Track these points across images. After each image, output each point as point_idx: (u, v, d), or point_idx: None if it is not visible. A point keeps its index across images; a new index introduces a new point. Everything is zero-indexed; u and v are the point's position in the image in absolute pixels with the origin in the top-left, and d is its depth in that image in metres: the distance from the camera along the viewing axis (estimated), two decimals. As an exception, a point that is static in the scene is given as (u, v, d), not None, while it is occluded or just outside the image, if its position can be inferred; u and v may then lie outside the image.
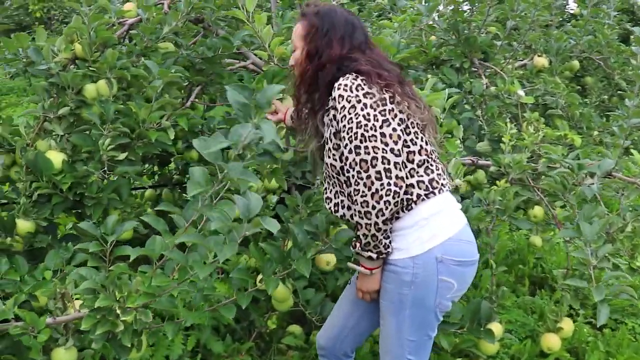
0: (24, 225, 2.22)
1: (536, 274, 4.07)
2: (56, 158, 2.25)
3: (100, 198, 2.30)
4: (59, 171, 2.25)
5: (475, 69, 3.48)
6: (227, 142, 1.47)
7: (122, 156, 2.28)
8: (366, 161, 1.67)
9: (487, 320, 2.43)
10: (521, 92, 3.10)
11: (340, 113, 1.73)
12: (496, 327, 2.44)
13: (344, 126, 1.72)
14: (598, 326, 2.42)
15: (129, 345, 1.53)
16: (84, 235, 1.91)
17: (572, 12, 5.57)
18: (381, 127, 1.69)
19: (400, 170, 1.70)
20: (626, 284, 2.26)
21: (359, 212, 1.69)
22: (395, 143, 1.70)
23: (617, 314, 3.58)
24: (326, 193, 1.94)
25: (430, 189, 1.79)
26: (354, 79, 1.74)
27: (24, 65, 2.42)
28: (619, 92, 4.78)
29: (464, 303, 3.42)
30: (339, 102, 1.73)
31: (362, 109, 1.70)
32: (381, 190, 1.66)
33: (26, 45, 2.43)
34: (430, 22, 3.56)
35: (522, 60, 3.97)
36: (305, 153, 2.47)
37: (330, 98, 1.78)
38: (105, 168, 2.28)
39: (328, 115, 1.80)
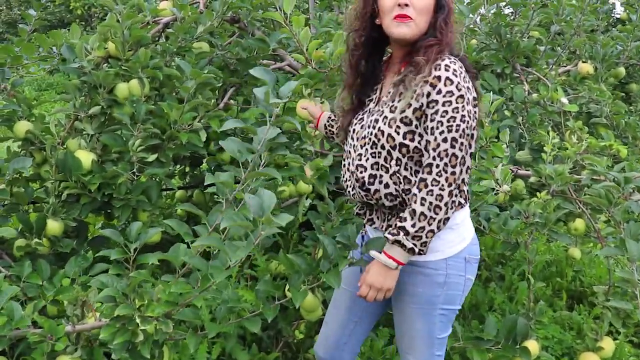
0: (53, 225, 2.20)
1: (574, 288, 3.94)
2: (85, 158, 2.23)
3: (128, 199, 2.27)
4: (88, 171, 2.23)
5: (517, 75, 3.37)
6: (241, 123, 1.42)
7: (152, 157, 2.25)
8: (457, 157, 1.61)
9: (523, 338, 2.34)
10: (564, 100, 2.99)
11: (443, 96, 1.60)
12: (532, 345, 2.35)
13: (445, 112, 1.60)
14: (642, 348, 2.30)
15: (148, 357, 1.49)
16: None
17: (619, 16, 5.39)
18: (474, 128, 1.65)
19: (467, 174, 1.67)
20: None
21: (430, 203, 1.60)
22: (472, 147, 1.67)
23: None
24: (359, 160, 1.77)
25: (467, 197, 1.82)
26: (460, 66, 1.66)
27: (57, 63, 2.40)
28: (665, 100, 4.62)
29: (499, 318, 3.32)
30: (445, 85, 1.61)
31: (467, 103, 1.62)
32: (455, 188, 1.62)
33: (60, 43, 2.41)
34: (471, 25, 3.46)
35: (566, 67, 3.84)
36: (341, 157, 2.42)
37: (428, 71, 1.63)
38: (135, 169, 2.25)
39: (420, 87, 1.64)
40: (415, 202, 1.62)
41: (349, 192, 1.87)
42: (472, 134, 1.65)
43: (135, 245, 1.70)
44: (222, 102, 2.69)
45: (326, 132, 2.24)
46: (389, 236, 1.66)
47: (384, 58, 1.92)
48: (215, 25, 2.57)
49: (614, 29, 4.81)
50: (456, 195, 1.66)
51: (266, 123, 1.54)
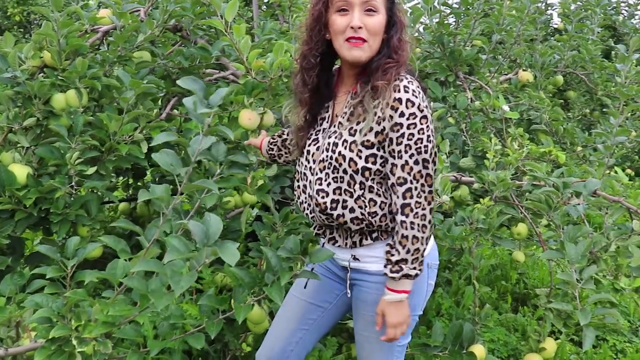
0: (-16, 243, 2.11)
1: (519, 290, 4.02)
2: (20, 172, 2.14)
3: (67, 214, 2.18)
4: (23, 185, 2.14)
5: (460, 83, 3.42)
6: (174, 136, 1.39)
7: (91, 170, 2.18)
8: (431, 176, 1.66)
9: (469, 342, 2.37)
10: (506, 107, 3.05)
11: (407, 119, 1.60)
12: (479, 350, 2.37)
13: (412, 134, 1.60)
14: (584, 350, 2.35)
15: (86, 379, 1.43)
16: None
17: (556, 26, 5.55)
18: (436, 145, 1.70)
19: None
20: (610, 305, 2.22)
21: (418, 224, 1.64)
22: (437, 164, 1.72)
23: (599, 330, 3.54)
24: (319, 185, 1.75)
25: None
26: (418, 85, 1.66)
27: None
28: (600, 106, 4.77)
29: (446, 322, 3.36)
30: (407, 107, 1.60)
31: (430, 122, 1.64)
32: (433, 206, 1.67)
33: (-8, 52, 2.32)
34: (415, 34, 3.50)
35: (507, 75, 3.93)
36: (288, 166, 2.40)
37: (386, 93, 1.62)
38: (73, 183, 2.18)
39: (381, 109, 1.63)
40: (405, 228, 1.64)
41: (306, 214, 1.85)
42: (436, 152, 1.68)
43: (73, 262, 1.64)
44: (164, 112, 2.63)
45: (270, 157, 2.23)
46: (395, 275, 1.68)
47: (334, 69, 1.90)
48: (156, 34, 2.52)
49: (552, 38, 4.94)
50: None
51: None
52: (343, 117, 1.75)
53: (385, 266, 1.70)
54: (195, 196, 1.59)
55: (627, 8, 6.19)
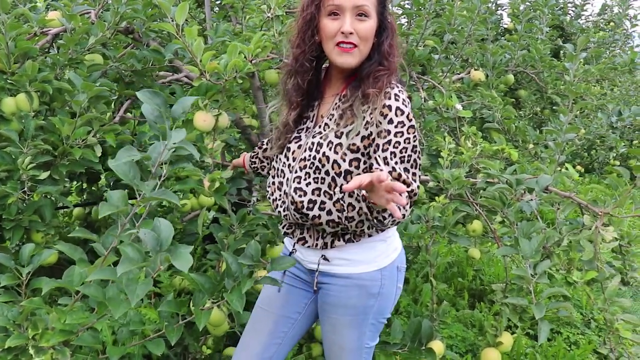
0: None
1: (475, 287, 4.09)
2: (-30, 178, 2.09)
3: (20, 220, 2.14)
4: (-26, 192, 2.09)
5: (414, 83, 3.46)
6: (137, 154, 1.36)
7: (44, 175, 2.13)
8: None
9: (428, 339, 2.40)
10: (459, 106, 3.10)
11: (395, 127, 1.60)
12: (437, 346, 2.41)
13: (398, 142, 1.61)
14: (539, 343, 2.41)
15: (45, 387, 1.40)
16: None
17: (506, 26, 5.66)
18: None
19: None
20: (563, 298, 2.28)
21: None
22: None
23: (553, 323, 3.63)
24: (297, 183, 1.73)
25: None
26: (408, 95, 1.67)
27: None
28: (550, 104, 4.89)
29: (405, 320, 3.39)
30: (396, 115, 1.61)
31: (416, 132, 1.64)
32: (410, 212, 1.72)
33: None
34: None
35: (459, 74, 3.99)
36: (241, 169, 2.39)
37: (377, 100, 1.62)
38: (26, 188, 2.13)
39: (370, 115, 1.63)
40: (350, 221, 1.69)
41: (279, 211, 1.83)
42: (419, 163, 1.68)
43: (27, 270, 1.60)
44: (117, 116, 2.59)
45: (254, 170, 2.25)
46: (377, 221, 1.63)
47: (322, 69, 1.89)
48: (107, 36, 2.48)
49: (502, 38, 5.05)
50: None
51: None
52: (330, 119, 1.74)
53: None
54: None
55: (573, 9, 6.36)
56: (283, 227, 1.93)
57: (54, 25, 2.50)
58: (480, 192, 2.64)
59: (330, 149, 1.68)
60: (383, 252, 1.79)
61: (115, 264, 1.50)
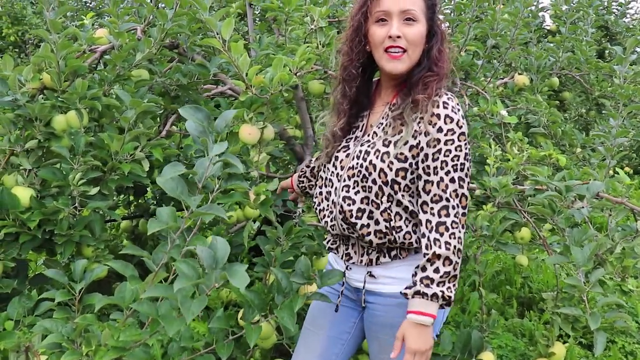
0: (-11, 267, 2.10)
1: (524, 295, 4.02)
2: (23, 194, 2.14)
3: (71, 235, 2.18)
4: (27, 208, 2.14)
5: (457, 89, 3.42)
6: (183, 169, 1.38)
7: (94, 191, 2.17)
8: (466, 197, 1.61)
9: (478, 350, 2.36)
10: (504, 112, 3.05)
11: (445, 135, 1.57)
12: (488, 357, 2.37)
13: (449, 151, 1.58)
14: (595, 355, 2.35)
15: (99, 404, 1.42)
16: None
17: (548, 28, 5.57)
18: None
19: None
20: (619, 308, 2.22)
21: (454, 247, 1.57)
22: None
23: (607, 332, 3.54)
24: (346, 192, 1.70)
25: None
26: (457, 102, 1.64)
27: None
28: (596, 105, 4.79)
29: (453, 330, 3.35)
30: (445, 122, 1.58)
31: (467, 142, 1.61)
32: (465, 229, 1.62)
33: (-8, 75, 2.32)
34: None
35: (503, 79, 3.93)
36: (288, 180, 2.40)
37: (426, 108, 1.60)
38: (77, 203, 2.18)
39: (418, 124, 1.61)
40: (439, 247, 1.57)
41: (326, 222, 1.80)
42: (470, 172, 1.64)
43: (80, 286, 1.63)
44: (164, 130, 2.63)
45: (302, 189, 2.23)
46: (408, 291, 1.61)
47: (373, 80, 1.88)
48: (153, 52, 2.52)
49: (545, 40, 4.96)
50: None
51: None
52: (379, 128, 1.73)
53: (409, 288, 1.62)
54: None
55: (618, 7, 6.22)
56: (327, 242, 1.90)
57: (102, 43, 2.56)
58: (529, 199, 2.60)
59: (377, 157, 1.66)
60: None
61: (166, 279, 1.52)
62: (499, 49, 3.79)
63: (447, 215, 1.58)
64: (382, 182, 1.65)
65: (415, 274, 1.61)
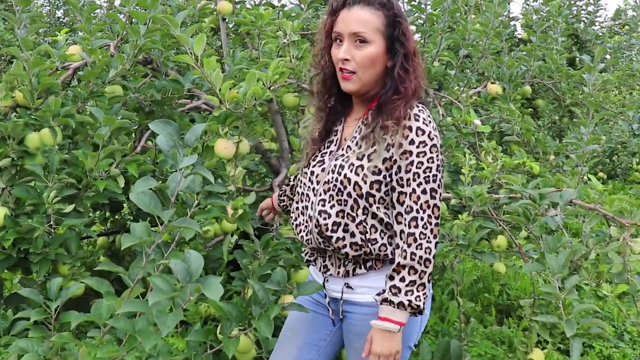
0: (-37, 287, 2.08)
1: (502, 302, 4.04)
2: (-3, 213, 2.12)
3: (47, 253, 2.16)
4: (1, 227, 2.12)
5: (431, 100, 3.46)
6: (154, 183, 1.38)
7: (69, 208, 2.16)
8: (438, 207, 1.63)
9: (457, 359, 2.37)
10: (477, 122, 3.09)
11: (417, 147, 1.60)
12: (467, 365, 2.39)
13: (421, 163, 1.60)
14: (571, 360, 2.37)
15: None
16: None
17: (520, 36, 5.65)
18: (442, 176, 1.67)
19: None
20: (595, 313, 2.25)
21: (420, 257, 1.59)
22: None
23: (584, 337, 3.57)
24: (322, 205, 1.72)
25: None
26: (429, 114, 1.65)
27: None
28: (569, 112, 4.86)
29: (433, 339, 3.37)
30: (417, 135, 1.60)
31: (440, 152, 1.63)
32: (438, 239, 1.63)
33: (-38, 95, 2.30)
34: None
35: (476, 88, 3.98)
36: (264, 193, 2.41)
37: (394, 121, 1.62)
38: (52, 221, 2.16)
39: (391, 137, 1.63)
40: (404, 258, 1.60)
41: (302, 236, 1.82)
42: (443, 183, 1.67)
43: (56, 304, 1.62)
44: (139, 145, 2.62)
45: (283, 208, 2.23)
46: (377, 297, 1.64)
47: None
48: (127, 68, 2.52)
49: (517, 48, 5.04)
50: None
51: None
52: (352, 142, 1.75)
53: (378, 294, 1.66)
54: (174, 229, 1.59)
55: (587, 15, 6.33)
56: (305, 255, 1.92)
57: (75, 60, 2.54)
58: (504, 207, 2.63)
59: (351, 171, 1.68)
60: None
61: (143, 295, 1.51)
62: (471, 59, 3.84)
63: (416, 226, 1.61)
64: (357, 195, 1.67)
65: (385, 282, 1.65)
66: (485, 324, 3.70)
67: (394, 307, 1.61)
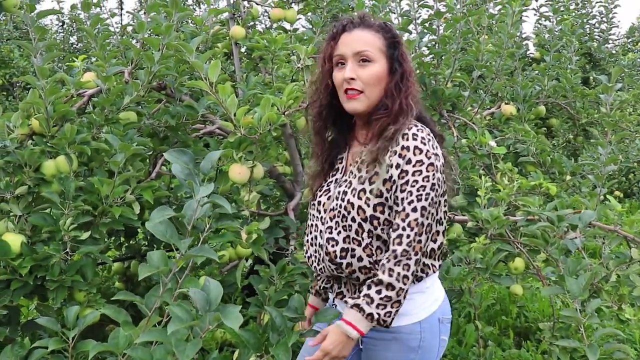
0: (-20, 316, 2.07)
1: (520, 325, 3.99)
2: (14, 240, 2.12)
3: (63, 280, 2.16)
4: (18, 254, 2.12)
5: (445, 121, 3.45)
6: (171, 213, 1.38)
7: (85, 235, 2.16)
8: (423, 225, 1.60)
9: (476, 384, 2.34)
10: (493, 143, 3.07)
11: (413, 166, 1.59)
12: (486, 391, 2.35)
13: (416, 181, 1.58)
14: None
15: None
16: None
17: (532, 56, 5.64)
18: (442, 195, 1.66)
19: (443, 236, 1.73)
20: (618, 339, 2.21)
21: (398, 274, 1.56)
22: (439, 213, 1.70)
23: (605, 360, 3.51)
24: (329, 233, 1.72)
25: (440, 258, 1.79)
26: (428, 133, 1.64)
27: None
28: (583, 131, 4.83)
29: (451, 363, 3.32)
30: (414, 154, 1.59)
31: (437, 170, 1.61)
32: (421, 256, 1.60)
33: (-20, 123, 2.32)
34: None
35: (490, 109, 3.97)
36: (279, 217, 2.39)
37: (394, 141, 1.62)
38: (68, 248, 2.16)
39: (389, 157, 1.63)
40: (383, 273, 1.58)
41: (315, 267, 1.81)
42: (439, 201, 1.65)
43: (73, 333, 1.61)
44: (154, 171, 2.62)
45: (322, 293, 2.05)
46: (350, 300, 1.62)
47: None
48: (141, 94, 2.53)
49: (530, 67, 5.03)
50: (424, 263, 1.68)
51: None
52: (354, 167, 1.75)
53: (351, 297, 1.67)
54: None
55: (600, 34, 6.32)
56: (322, 282, 1.92)
57: (90, 87, 2.56)
58: (521, 229, 2.60)
59: (354, 196, 1.67)
60: (421, 304, 1.73)
61: (159, 323, 1.51)
62: (484, 80, 3.83)
63: (400, 243, 1.58)
64: (361, 219, 1.66)
65: (363, 288, 1.62)
66: (504, 347, 3.64)
67: (363, 315, 1.58)
